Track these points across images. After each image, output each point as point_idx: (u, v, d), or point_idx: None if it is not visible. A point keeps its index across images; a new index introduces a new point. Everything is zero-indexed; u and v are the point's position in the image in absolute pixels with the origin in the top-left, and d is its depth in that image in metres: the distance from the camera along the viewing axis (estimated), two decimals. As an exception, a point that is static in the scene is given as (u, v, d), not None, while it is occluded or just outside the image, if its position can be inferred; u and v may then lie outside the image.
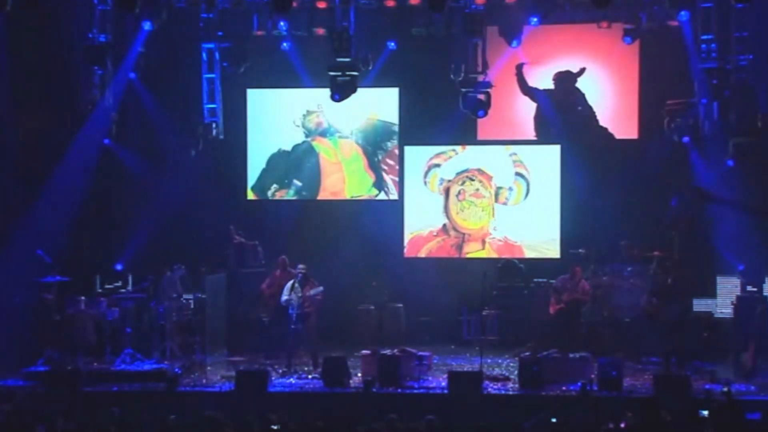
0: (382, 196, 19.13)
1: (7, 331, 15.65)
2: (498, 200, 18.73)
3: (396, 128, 19.01)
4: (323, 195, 19.25)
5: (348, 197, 19.19)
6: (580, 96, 18.55)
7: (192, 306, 16.58)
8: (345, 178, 19.21)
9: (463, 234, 18.81)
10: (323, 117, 19.14)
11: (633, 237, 17.24)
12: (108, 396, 13.79)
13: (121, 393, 14.24)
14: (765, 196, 16.24)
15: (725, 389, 12.64)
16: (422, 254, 18.91)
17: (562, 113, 18.54)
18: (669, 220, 16.97)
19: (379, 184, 19.15)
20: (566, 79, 18.51)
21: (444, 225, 18.90)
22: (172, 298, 16.28)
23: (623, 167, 17.90)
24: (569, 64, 18.51)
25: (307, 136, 19.23)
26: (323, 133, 19.19)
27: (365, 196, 19.17)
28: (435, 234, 18.92)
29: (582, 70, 18.42)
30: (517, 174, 18.66)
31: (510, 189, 18.67)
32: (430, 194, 18.86)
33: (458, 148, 18.81)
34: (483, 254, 18.66)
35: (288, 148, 19.20)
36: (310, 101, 19.00)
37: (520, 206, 18.66)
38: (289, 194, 19.30)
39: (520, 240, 18.59)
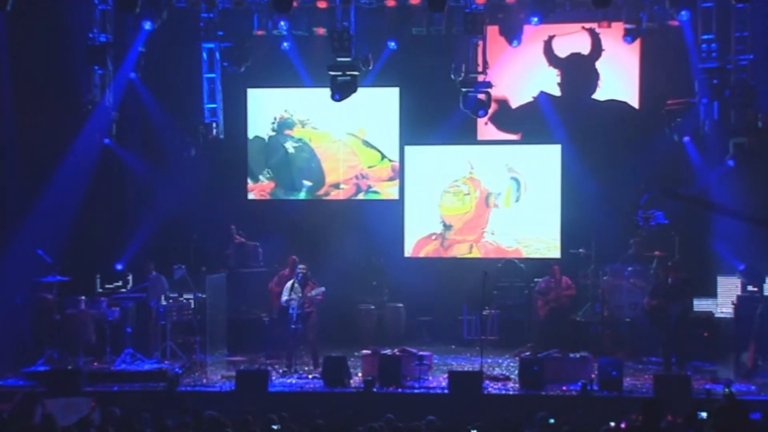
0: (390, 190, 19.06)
1: (7, 331, 15.65)
2: (488, 205, 18.72)
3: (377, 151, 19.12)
4: (335, 176, 19.11)
5: (367, 168, 19.07)
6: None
7: (192, 306, 16.57)
8: (356, 151, 19.16)
9: (447, 229, 18.83)
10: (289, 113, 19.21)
11: (633, 237, 17.21)
12: (108, 396, 13.76)
13: (121, 393, 14.23)
14: (764, 196, 16.25)
15: (727, 390, 12.64)
16: (421, 255, 18.99)
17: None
18: (639, 218, 16.94)
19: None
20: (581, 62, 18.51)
21: (441, 231, 18.98)
22: (160, 298, 16.26)
23: (623, 167, 17.87)
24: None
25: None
26: (291, 125, 19.21)
27: (378, 167, 19.05)
28: (434, 238, 18.95)
29: (594, 53, 18.37)
30: (512, 178, 18.66)
31: (498, 194, 18.69)
32: (431, 198, 18.97)
33: (464, 178, 18.86)
34: (470, 256, 18.72)
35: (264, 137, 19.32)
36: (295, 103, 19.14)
37: (513, 208, 18.63)
38: (300, 195, 19.29)
39: (516, 244, 18.56)
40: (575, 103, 18.50)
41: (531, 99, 18.75)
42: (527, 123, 18.69)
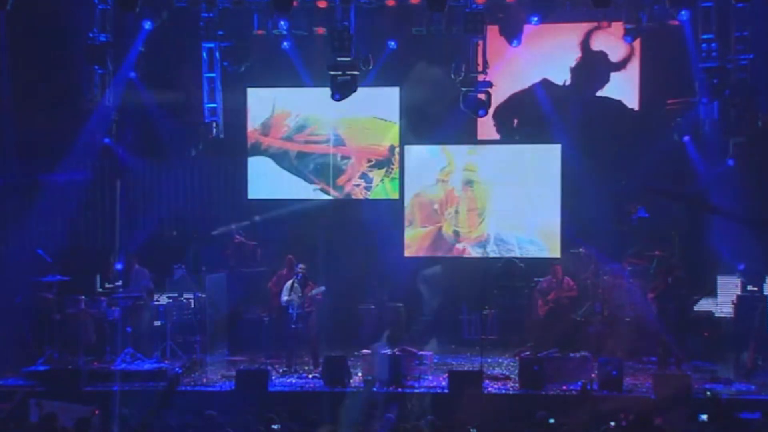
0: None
1: (7, 331, 15.66)
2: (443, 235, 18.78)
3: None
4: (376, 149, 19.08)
5: (396, 144, 19.02)
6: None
7: (192, 306, 16.57)
8: (378, 131, 19.09)
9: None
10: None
11: (632, 237, 17.21)
12: (108, 396, 13.77)
13: (121, 392, 14.23)
14: (764, 196, 16.27)
15: (708, 393, 12.76)
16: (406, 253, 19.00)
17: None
18: (621, 214, 16.92)
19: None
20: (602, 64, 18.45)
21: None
22: (143, 289, 16.23)
23: (623, 166, 17.87)
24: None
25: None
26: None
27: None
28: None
29: (620, 64, 18.35)
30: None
31: (449, 215, 18.72)
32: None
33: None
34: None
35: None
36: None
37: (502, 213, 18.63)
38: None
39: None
40: (578, 93, 18.44)
41: (529, 85, 18.61)
42: (523, 114, 18.64)
